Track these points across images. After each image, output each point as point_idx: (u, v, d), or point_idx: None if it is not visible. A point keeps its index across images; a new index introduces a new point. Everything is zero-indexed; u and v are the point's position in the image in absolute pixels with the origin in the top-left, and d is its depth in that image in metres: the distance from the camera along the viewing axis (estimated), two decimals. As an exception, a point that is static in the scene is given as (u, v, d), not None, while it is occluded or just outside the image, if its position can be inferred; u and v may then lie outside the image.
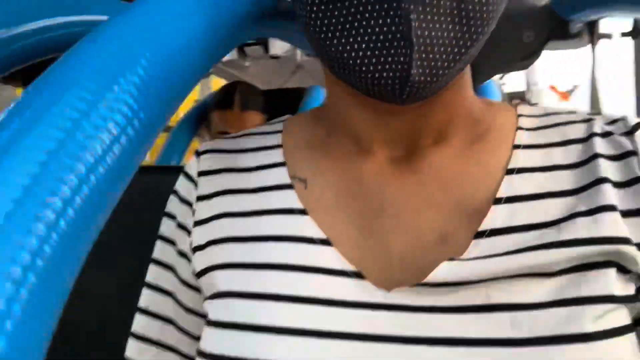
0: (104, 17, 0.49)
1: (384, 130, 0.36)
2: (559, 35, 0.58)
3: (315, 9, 0.30)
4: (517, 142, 0.36)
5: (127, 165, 0.23)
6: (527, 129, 0.37)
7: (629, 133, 0.35)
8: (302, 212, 0.36)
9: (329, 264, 0.33)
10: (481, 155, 0.37)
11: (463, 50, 0.30)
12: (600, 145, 0.35)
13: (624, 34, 0.66)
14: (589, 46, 0.63)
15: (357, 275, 0.33)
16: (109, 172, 0.21)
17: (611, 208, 0.32)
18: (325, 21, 0.30)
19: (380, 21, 0.27)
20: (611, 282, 0.30)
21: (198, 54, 0.29)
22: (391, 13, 0.27)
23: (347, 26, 0.29)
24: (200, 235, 0.39)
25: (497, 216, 0.33)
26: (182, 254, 0.40)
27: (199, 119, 1.58)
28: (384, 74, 0.29)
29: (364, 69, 0.29)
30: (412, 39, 0.27)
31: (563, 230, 0.31)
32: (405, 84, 0.29)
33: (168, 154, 1.57)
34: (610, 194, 0.32)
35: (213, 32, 0.30)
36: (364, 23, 0.28)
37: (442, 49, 0.28)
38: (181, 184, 0.42)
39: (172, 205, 0.42)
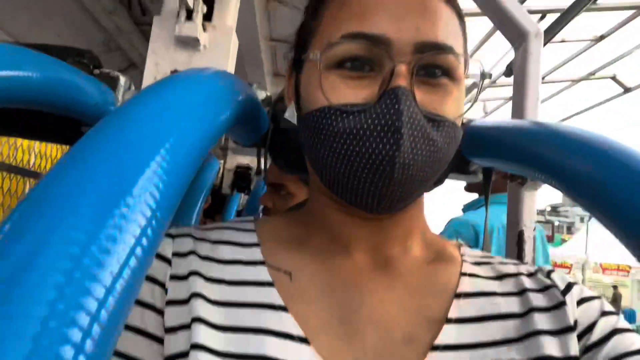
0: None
1: (359, 233, 0.45)
2: (460, 170, 0.72)
3: (322, 145, 0.40)
4: (463, 270, 0.46)
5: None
6: (470, 263, 0.47)
7: (547, 276, 0.46)
8: (283, 308, 0.39)
9: None
10: (436, 274, 0.45)
11: (427, 181, 0.41)
12: (527, 282, 0.45)
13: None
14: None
15: None
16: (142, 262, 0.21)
17: (540, 332, 0.40)
18: (331, 155, 0.40)
19: (372, 160, 0.38)
20: None
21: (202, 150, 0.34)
22: (381, 158, 0.38)
23: (347, 161, 0.39)
24: (175, 315, 0.39)
25: (449, 334, 0.40)
26: (150, 336, 0.39)
27: None
28: (369, 192, 0.39)
29: (354, 186, 0.40)
30: (394, 175, 0.38)
31: (500, 354, 0.39)
32: (381, 200, 0.39)
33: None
34: (540, 321, 0.41)
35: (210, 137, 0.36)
36: (360, 160, 0.38)
37: (413, 181, 0.39)
38: (154, 265, 0.42)
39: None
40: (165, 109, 0.30)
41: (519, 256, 0.77)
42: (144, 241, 0.22)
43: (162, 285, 0.40)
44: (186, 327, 0.38)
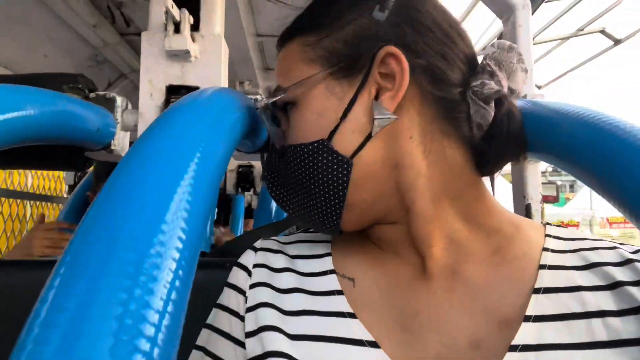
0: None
1: (396, 236, 0.43)
2: None
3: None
4: (542, 262, 0.39)
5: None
6: (553, 251, 0.40)
7: None
8: (352, 315, 0.40)
9: None
10: (505, 268, 0.40)
11: (318, 198, 0.42)
12: (619, 274, 0.37)
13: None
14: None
15: None
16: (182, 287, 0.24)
17: (632, 342, 0.34)
18: None
19: None
20: None
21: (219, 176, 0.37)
22: None
23: None
24: (250, 321, 0.42)
25: (527, 333, 0.35)
26: (235, 341, 0.42)
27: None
28: None
29: None
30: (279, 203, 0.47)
31: (587, 357, 0.34)
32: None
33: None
34: (635, 326, 0.34)
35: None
36: None
37: (299, 204, 0.45)
38: (237, 275, 0.46)
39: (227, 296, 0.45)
40: (176, 146, 0.30)
41: (529, 229, 0.79)
42: (183, 263, 0.24)
43: (244, 293, 0.44)
44: (255, 333, 0.40)
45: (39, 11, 1.29)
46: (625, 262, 0.38)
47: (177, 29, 0.73)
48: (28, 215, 2.35)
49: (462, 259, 0.41)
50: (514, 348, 0.35)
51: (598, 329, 0.35)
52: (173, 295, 0.22)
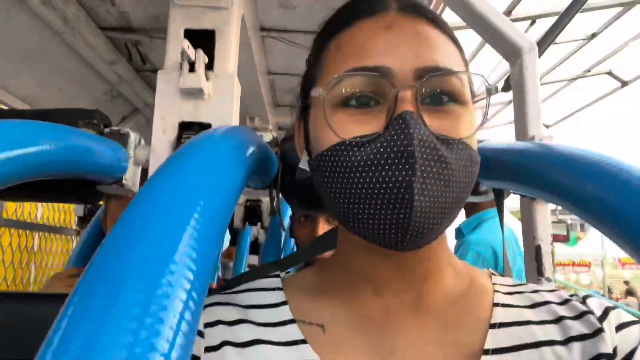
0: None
1: (390, 275, 0.44)
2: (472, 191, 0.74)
3: (337, 183, 0.39)
4: (496, 301, 0.45)
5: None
6: (503, 292, 0.46)
7: (582, 302, 0.44)
8: None
9: None
10: (469, 307, 0.44)
11: (451, 209, 0.39)
12: (561, 310, 0.43)
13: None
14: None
15: None
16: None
17: None
18: (347, 192, 0.39)
19: (389, 190, 0.37)
20: None
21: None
22: (398, 185, 0.36)
23: (363, 195, 0.38)
24: None
25: None
26: None
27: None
28: (391, 226, 0.37)
29: (375, 222, 0.38)
30: (414, 203, 0.36)
31: None
32: (405, 233, 0.37)
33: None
34: (578, 351, 0.40)
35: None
36: (377, 192, 0.37)
37: (435, 209, 0.37)
38: None
39: None
40: (189, 181, 0.31)
41: (539, 271, 0.77)
42: (194, 294, 0.24)
43: (198, 359, 0.40)
44: None
45: (58, 48, 1.33)
46: (565, 302, 0.44)
47: (192, 68, 0.75)
48: (36, 246, 2.36)
49: (439, 297, 0.44)
50: None
51: (548, 356, 0.40)
52: (183, 327, 0.23)
